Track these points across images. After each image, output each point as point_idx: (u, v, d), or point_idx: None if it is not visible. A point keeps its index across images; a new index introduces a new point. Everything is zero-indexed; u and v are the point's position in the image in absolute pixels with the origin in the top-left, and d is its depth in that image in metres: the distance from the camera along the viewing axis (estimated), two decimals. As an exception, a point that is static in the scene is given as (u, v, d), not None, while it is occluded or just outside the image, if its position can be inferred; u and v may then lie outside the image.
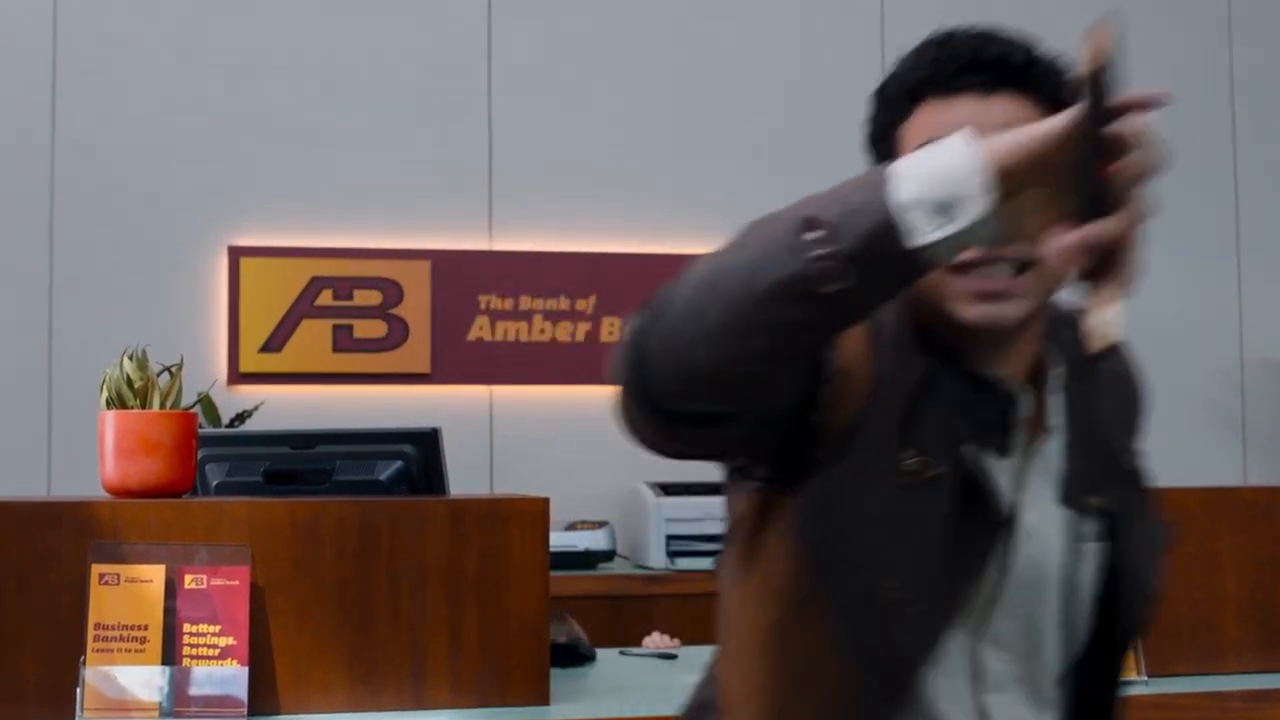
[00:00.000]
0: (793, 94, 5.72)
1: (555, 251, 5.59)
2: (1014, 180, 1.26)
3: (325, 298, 5.41)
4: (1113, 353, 1.72)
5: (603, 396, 6.14)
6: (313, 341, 5.40)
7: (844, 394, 1.51)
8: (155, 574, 2.23)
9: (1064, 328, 1.65)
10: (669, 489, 5.12)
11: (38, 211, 5.28)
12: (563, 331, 5.54)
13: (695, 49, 5.78)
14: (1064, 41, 1.54)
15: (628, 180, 5.69)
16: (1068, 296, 1.50)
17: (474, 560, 2.37)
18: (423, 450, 2.74)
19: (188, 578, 2.24)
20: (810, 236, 1.26)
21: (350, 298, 5.43)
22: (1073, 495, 1.60)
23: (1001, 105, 1.56)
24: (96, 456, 2.38)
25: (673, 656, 3.10)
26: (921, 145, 1.33)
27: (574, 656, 2.92)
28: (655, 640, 3.50)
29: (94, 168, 5.34)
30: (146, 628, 2.21)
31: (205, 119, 5.42)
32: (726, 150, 5.73)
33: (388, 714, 2.29)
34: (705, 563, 4.99)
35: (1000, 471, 1.57)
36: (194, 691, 2.20)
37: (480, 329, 5.51)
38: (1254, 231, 6.16)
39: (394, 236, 5.50)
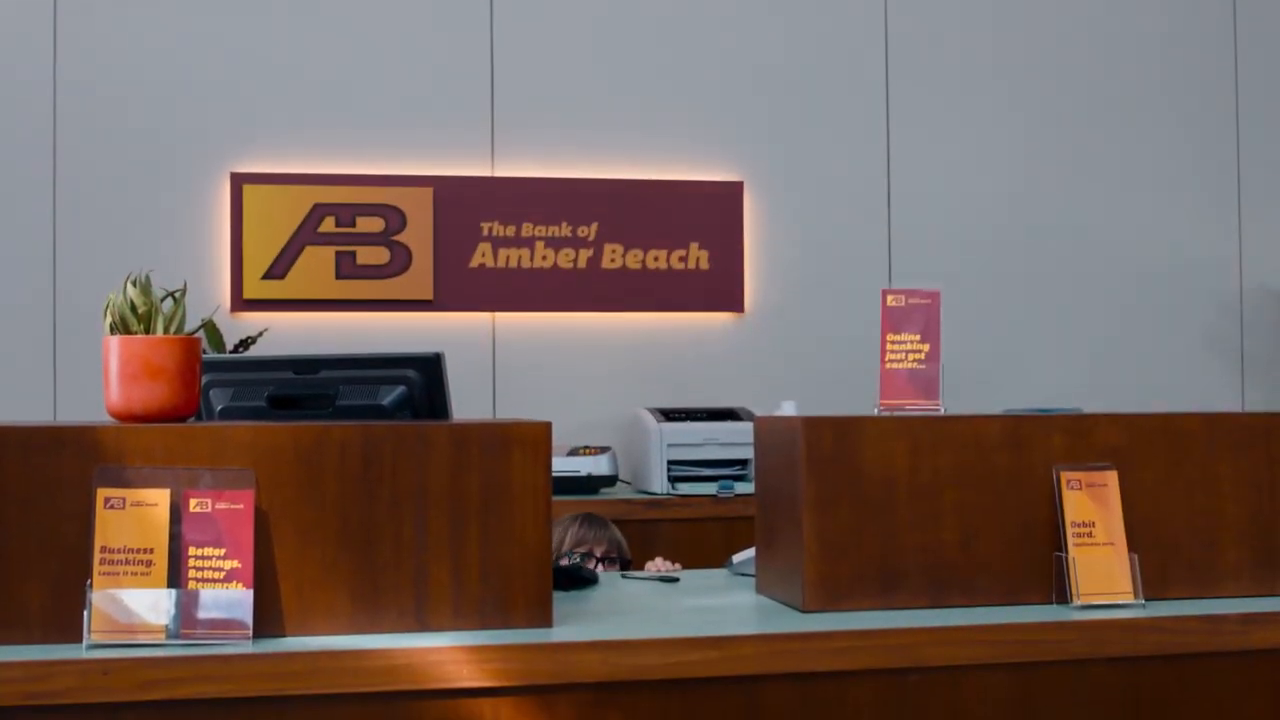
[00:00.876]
0: (793, 22, 5.69)
1: (557, 178, 5.58)
2: None
3: (328, 224, 5.41)
4: None
5: (604, 323, 6.09)
6: (316, 268, 5.41)
7: None
8: (160, 498, 2.25)
9: None
10: (670, 415, 5.14)
11: (41, 139, 5.28)
12: (565, 258, 5.54)
13: (698, -27, 5.74)
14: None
15: (629, 107, 5.67)
16: None
17: (476, 484, 2.38)
18: (426, 375, 2.75)
19: (192, 501, 2.25)
20: None
21: (353, 224, 5.43)
22: None
23: None
24: (101, 382, 2.39)
25: (675, 580, 3.12)
26: None
27: (576, 580, 2.94)
28: (658, 565, 3.52)
29: (97, 95, 5.32)
30: (152, 551, 2.22)
31: (207, 46, 5.40)
32: (727, 78, 5.70)
33: (391, 636, 2.31)
34: (706, 488, 5.02)
35: None
36: (200, 614, 2.21)
37: (483, 255, 5.51)
38: (1254, 162, 6.14)
39: (396, 163, 5.49)
